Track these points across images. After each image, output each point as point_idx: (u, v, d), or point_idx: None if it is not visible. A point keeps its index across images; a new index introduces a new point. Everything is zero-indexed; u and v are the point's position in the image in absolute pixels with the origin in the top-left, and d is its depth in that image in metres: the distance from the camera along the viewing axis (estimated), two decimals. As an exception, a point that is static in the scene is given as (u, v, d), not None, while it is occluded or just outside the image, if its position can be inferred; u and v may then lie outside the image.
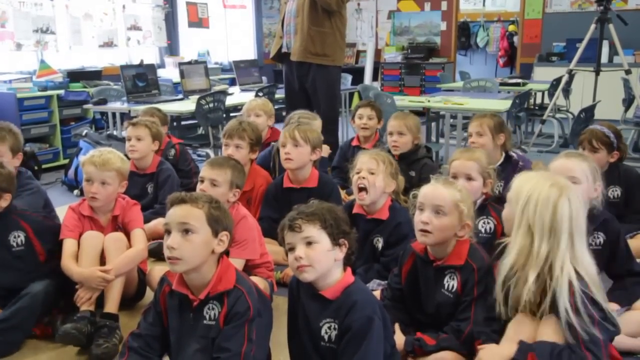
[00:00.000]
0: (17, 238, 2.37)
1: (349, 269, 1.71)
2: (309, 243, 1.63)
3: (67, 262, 2.37)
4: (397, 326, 2.00)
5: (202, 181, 2.48)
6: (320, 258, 1.63)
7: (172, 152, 3.95)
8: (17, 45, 5.83)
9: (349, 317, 1.61)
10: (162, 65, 7.52)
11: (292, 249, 1.65)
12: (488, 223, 2.48)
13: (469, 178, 2.46)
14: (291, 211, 1.69)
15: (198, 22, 8.11)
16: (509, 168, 3.00)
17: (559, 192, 1.67)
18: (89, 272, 2.31)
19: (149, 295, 2.58)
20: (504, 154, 3.08)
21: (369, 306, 1.63)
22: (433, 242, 1.95)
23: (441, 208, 1.92)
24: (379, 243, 2.55)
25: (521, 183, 1.74)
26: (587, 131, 2.97)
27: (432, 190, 1.96)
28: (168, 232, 1.71)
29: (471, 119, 3.19)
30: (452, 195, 1.93)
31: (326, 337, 1.66)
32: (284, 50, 4.77)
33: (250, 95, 5.17)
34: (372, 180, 2.50)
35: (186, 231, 1.68)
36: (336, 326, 1.64)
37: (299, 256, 1.62)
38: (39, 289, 2.30)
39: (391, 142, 3.45)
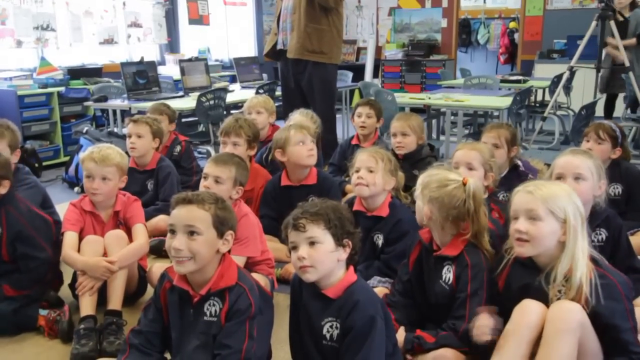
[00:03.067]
0: None
1: (351, 268, 1.71)
2: (312, 243, 1.62)
3: (70, 252, 2.39)
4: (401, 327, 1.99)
5: (206, 178, 2.48)
6: (323, 259, 1.62)
7: (178, 148, 3.96)
8: (18, 43, 5.82)
9: (351, 317, 1.61)
10: (162, 62, 7.51)
11: (295, 248, 1.64)
12: (490, 217, 2.49)
13: (470, 168, 2.47)
14: (295, 209, 1.68)
15: (198, 19, 8.10)
16: (514, 178, 2.94)
17: None
18: (94, 262, 2.33)
19: (149, 292, 2.58)
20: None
21: (371, 305, 1.62)
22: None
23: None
24: (379, 240, 2.55)
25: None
26: (594, 123, 2.97)
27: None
28: (172, 232, 1.71)
29: (485, 127, 3.14)
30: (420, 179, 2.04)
31: (328, 335, 1.65)
32: (279, 47, 4.76)
33: (250, 93, 5.17)
34: (372, 178, 2.50)
35: (191, 233, 1.69)
36: (338, 325, 1.64)
37: (302, 256, 1.61)
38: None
39: (395, 143, 3.43)
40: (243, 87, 6.19)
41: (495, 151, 2.86)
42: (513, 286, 1.87)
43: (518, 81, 6.51)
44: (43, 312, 2.38)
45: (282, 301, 2.39)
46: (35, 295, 2.43)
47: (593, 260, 1.77)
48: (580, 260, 1.72)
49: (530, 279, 1.82)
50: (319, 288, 1.67)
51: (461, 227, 1.97)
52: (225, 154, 2.71)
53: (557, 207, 1.74)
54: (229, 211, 1.78)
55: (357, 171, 2.53)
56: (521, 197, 1.80)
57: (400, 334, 1.93)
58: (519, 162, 3.03)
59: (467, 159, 2.50)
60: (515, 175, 2.96)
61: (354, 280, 1.68)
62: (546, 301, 1.75)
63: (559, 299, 1.72)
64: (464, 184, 1.97)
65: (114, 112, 5.10)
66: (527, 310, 1.73)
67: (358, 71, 8.43)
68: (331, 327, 1.65)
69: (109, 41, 6.84)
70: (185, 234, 1.68)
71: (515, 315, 1.75)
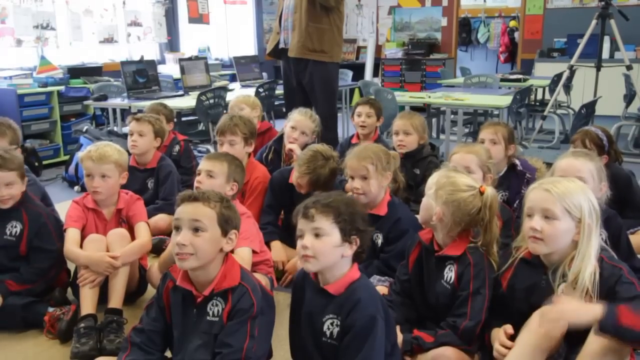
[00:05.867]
0: (14, 228, 2.41)
1: (355, 265, 1.69)
2: (318, 234, 1.61)
3: (72, 248, 2.40)
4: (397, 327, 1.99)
5: (199, 174, 2.49)
6: (326, 251, 1.61)
7: (177, 148, 3.96)
8: (18, 42, 5.82)
9: (352, 316, 1.60)
10: (162, 61, 7.51)
11: (301, 236, 1.64)
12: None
13: (468, 171, 2.46)
14: (310, 197, 1.68)
15: (198, 18, 8.09)
16: (512, 177, 2.97)
17: None
18: (97, 257, 2.34)
19: (150, 291, 2.58)
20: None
21: (372, 304, 1.61)
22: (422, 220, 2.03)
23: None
24: (379, 239, 2.54)
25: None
26: (581, 131, 2.97)
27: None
28: (177, 228, 1.71)
29: (483, 125, 3.15)
30: (430, 181, 2.02)
31: (328, 332, 1.65)
32: (281, 46, 4.76)
33: (250, 92, 5.16)
34: (367, 186, 2.49)
35: (196, 229, 1.69)
36: (338, 322, 1.63)
37: (306, 245, 1.61)
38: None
39: (397, 142, 3.43)
40: (243, 86, 6.18)
41: (492, 147, 2.87)
42: (517, 286, 1.86)
43: (518, 80, 6.51)
44: (50, 309, 2.39)
45: (282, 300, 2.40)
46: (39, 289, 2.45)
47: (602, 250, 1.76)
48: (591, 259, 1.71)
49: (536, 279, 1.81)
50: (322, 283, 1.66)
51: (470, 234, 1.98)
52: (219, 152, 2.71)
53: (574, 206, 1.72)
54: (233, 211, 1.79)
55: (352, 178, 2.52)
56: (537, 194, 1.77)
57: (398, 336, 1.93)
58: (517, 162, 3.03)
59: (464, 162, 2.49)
60: (513, 175, 2.97)
61: (356, 278, 1.66)
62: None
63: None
64: (482, 193, 1.95)
65: (114, 111, 5.10)
66: None
67: (358, 70, 8.43)
68: (331, 324, 1.64)
69: (109, 40, 6.84)
70: (190, 229, 1.69)
71: (533, 323, 1.72)
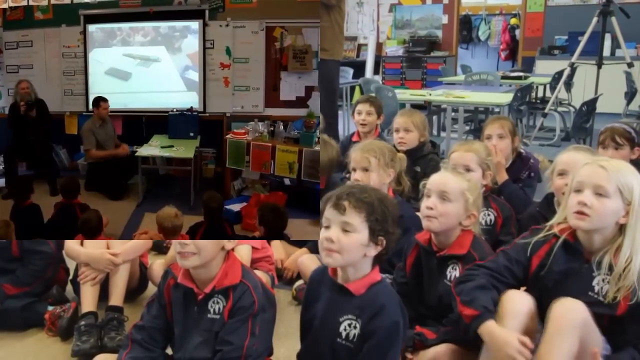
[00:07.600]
0: None
1: (377, 267, 1.64)
2: (347, 230, 1.53)
3: (73, 246, 2.42)
4: None
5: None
6: (352, 249, 1.54)
7: None
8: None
9: (376, 321, 1.54)
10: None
11: (327, 227, 1.55)
12: (488, 215, 2.49)
13: (468, 169, 2.46)
14: (343, 187, 1.61)
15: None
16: (516, 162, 3.01)
17: None
18: (98, 254, 2.34)
19: (150, 289, 2.59)
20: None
21: (395, 310, 1.56)
22: (437, 229, 1.94)
23: (446, 194, 1.92)
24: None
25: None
26: (606, 130, 2.88)
27: (439, 178, 1.99)
28: None
29: (487, 121, 3.15)
30: (458, 183, 1.94)
31: (344, 334, 1.59)
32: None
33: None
34: (367, 178, 2.48)
35: None
36: (357, 325, 1.57)
37: (331, 239, 1.52)
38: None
39: (397, 139, 3.42)
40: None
41: (500, 142, 2.88)
42: (553, 268, 1.77)
43: (519, 77, 6.51)
44: (50, 307, 2.39)
45: (282, 297, 2.40)
46: (37, 291, 2.44)
47: None
48: None
49: (575, 264, 1.74)
50: (342, 281, 1.62)
51: (470, 232, 1.99)
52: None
53: (627, 186, 1.66)
54: None
55: (354, 170, 2.53)
56: (591, 169, 1.71)
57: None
58: (522, 150, 3.06)
59: (464, 161, 2.49)
60: (519, 161, 3.01)
61: (378, 280, 1.61)
62: (587, 288, 1.70)
63: (601, 288, 1.67)
64: None
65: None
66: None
67: (359, 68, 8.44)
68: (349, 325, 1.59)
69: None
70: None
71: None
